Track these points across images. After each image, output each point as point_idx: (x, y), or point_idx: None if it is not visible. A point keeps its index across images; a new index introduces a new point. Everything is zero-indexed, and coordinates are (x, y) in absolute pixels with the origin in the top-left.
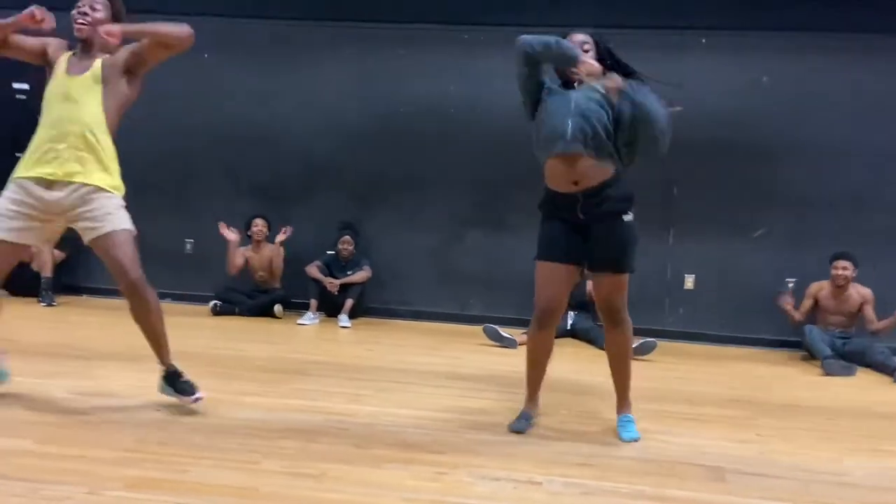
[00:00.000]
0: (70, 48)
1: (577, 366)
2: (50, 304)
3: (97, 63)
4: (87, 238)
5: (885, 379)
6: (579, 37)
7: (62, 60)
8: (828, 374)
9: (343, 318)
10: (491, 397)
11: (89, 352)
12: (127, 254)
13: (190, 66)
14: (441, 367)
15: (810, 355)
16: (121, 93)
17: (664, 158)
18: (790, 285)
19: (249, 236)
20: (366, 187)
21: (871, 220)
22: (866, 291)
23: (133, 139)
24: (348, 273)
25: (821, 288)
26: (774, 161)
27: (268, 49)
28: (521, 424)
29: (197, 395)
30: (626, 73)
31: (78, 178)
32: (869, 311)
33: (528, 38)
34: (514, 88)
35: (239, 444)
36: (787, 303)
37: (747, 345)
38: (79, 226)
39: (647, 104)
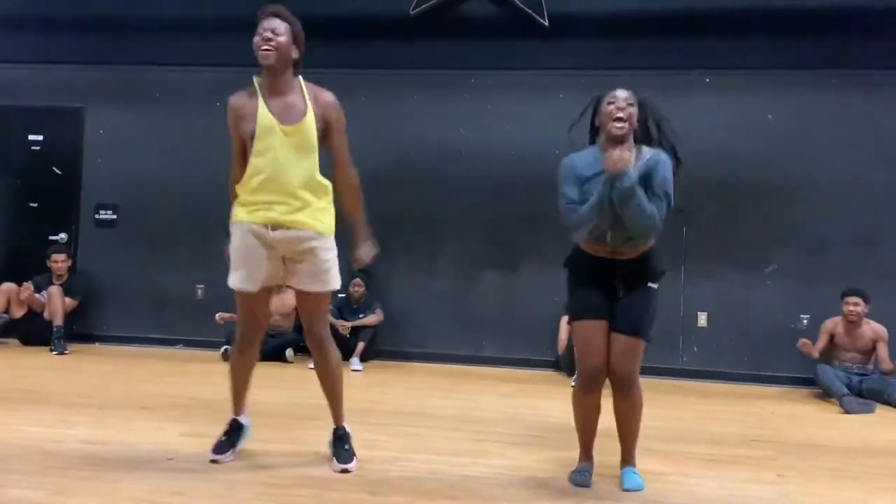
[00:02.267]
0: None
1: None
2: (62, 353)
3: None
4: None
5: None
6: (622, 94)
7: (259, 106)
8: (847, 411)
9: (355, 362)
10: (507, 440)
11: (102, 401)
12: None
13: (203, 116)
14: (455, 411)
15: (825, 393)
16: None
17: (676, 197)
18: (804, 322)
19: None
20: (379, 230)
21: (882, 256)
22: (880, 328)
23: (150, 188)
24: (360, 316)
25: (836, 324)
26: (783, 198)
27: None
28: (584, 478)
29: (346, 466)
30: (660, 134)
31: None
32: (882, 350)
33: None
34: (524, 131)
35: (254, 494)
36: (804, 345)
37: (763, 382)
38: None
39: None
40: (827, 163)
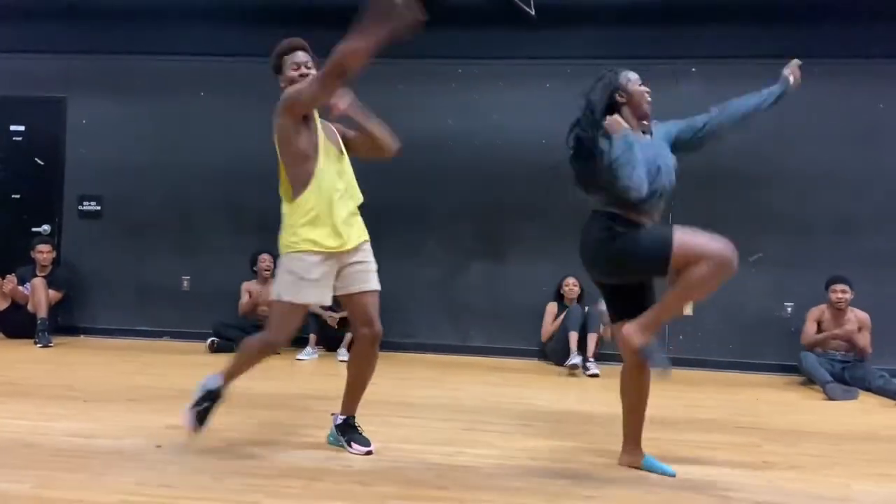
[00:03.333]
0: None
1: (573, 395)
2: (46, 346)
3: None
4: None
5: (888, 402)
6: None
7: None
8: (831, 398)
9: (342, 353)
10: (495, 430)
11: (88, 393)
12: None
13: (189, 106)
14: (444, 400)
15: (809, 381)
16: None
17: None
18: (788, 310)
19: (255, 272)
20: (367, 220)
21: (862, 243)
22: (864, 316)
23: (132, 179)
24: None
25: (822, 312)
26: (769, 186)
27: (266, 86)
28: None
29: (371, 448)
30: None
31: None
32: (864, 336)
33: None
34: (511, 121)
35: (241, 485)
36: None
37: (747, 370)
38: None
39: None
40: (809, 151)
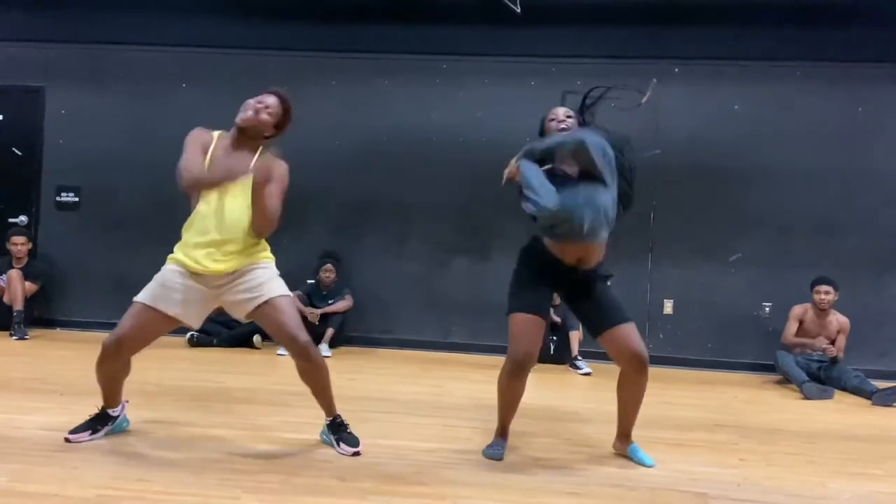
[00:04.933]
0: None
1: (557, 392)
2: (22, 338)
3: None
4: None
5: (863, 402)
6: (561, 110)
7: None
8: (807, 397)
9: (324, 348)
10: (475, 426)
11: (64, 386)
12: (292, 318)
13: (170, 98)
14: (424, 396)
15: (786, 380)
16: None
17: (644, 185)
18: (767, 310)
19: None
20: (349, 216)
21: (842, 244)
22: (844, 320)
23: (114, 170)
24: (329, 302)
25: (805, 311)
26: (749, 186)
27: (250, 80)
28: (499, 452)
29: (358, 449)
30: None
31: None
32: (841, 341)
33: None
34: (494, 118)
35: (220, 480)
36: (828, 349)
37: (726, 368)
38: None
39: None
40: (790, 152)
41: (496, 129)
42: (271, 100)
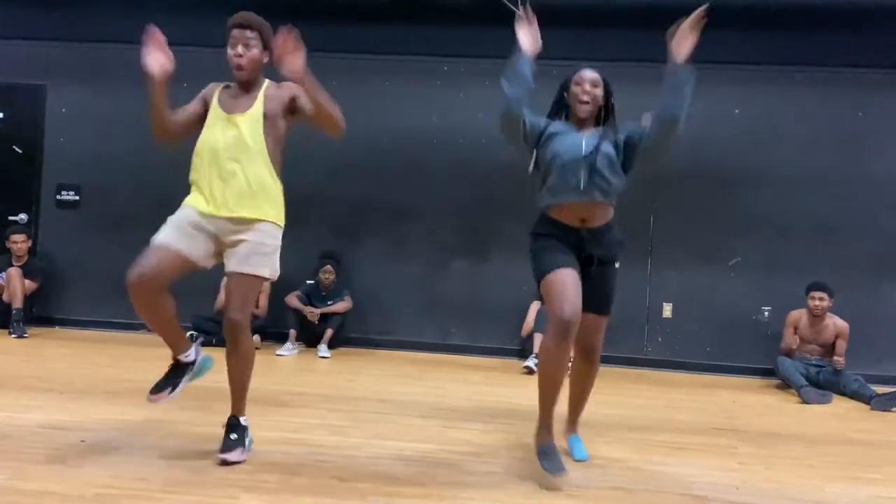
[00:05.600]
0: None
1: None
2: (21, 336)
3: (259, 98)
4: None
5: (862, 406)
6: (588, 74)
7: (214, 99)
8: (805, 402)
9: (322, 349)
10: (475, 428)
11: (63, 385)
12: (239, 294)
13: (171, 95)
14: (423, 398)
15: (785, 384)
16: (279, 128)
17: (644, 188)
18: (766, 314)
19: None
20: (349, 217)
21: (841, 248)
22: (843, 325)
23: (114, 169)
24: (329, 303)
25: (800, 316)
26: (749, 190)
27: None
28: (557, 460)
29: (224, 457)
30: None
31: (240, 213)
32: (841, 347)
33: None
34: (495, 120)
35: (218, 479)
36: (837, 362)
37: (725, 372)
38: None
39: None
40: (790, 156)
41: (496, 131)
42: (246, 34)
